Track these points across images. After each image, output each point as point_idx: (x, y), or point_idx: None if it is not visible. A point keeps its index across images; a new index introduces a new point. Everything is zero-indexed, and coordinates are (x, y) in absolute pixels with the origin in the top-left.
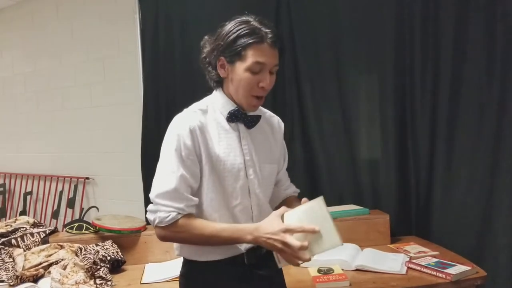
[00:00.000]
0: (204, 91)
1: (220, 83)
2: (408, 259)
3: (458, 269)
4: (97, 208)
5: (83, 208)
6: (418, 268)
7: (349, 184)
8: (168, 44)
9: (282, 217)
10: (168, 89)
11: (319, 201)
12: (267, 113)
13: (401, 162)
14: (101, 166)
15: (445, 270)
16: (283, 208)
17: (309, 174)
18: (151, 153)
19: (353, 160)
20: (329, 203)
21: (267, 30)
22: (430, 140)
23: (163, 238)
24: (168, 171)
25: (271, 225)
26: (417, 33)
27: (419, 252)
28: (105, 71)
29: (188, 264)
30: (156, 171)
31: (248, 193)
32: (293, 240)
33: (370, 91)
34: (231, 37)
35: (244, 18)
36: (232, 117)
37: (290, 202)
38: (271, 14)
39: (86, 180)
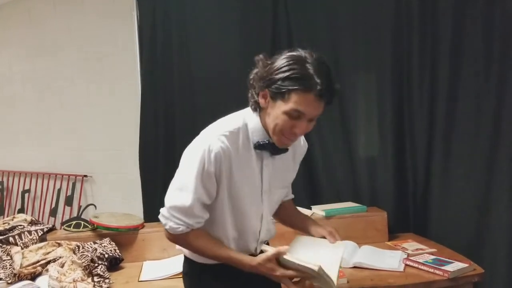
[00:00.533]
0: (202, 90)
1: (259, 107)
2: (405, 256)
3: (456, 266)
4: (95, 206)
5: (81, 206)
6: (416, 265)
7: (347, 182)
8: (166, 41)
9: (277, 259)
10: (166, 86)
11: (340, 248)
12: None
13: (398, 160)
14: (99, 164)
15: (442, 267)
16: (278, 249)
17: (307, 172)
18: (149, 151)
19: (351, 157)
20: (327, 200)
21: (318, 81)
22: (428, 137)
23: (170, 240)
24: (187, 189)
25: (267, 270)
26: (415, 32)
27: (416, 249)
28: (103, 69)
29: (189, 262)
30: (176, 180)
31: (260, 218)
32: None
33: (368, 90)
34: (280, 76)
35: (302, 55)
36: (260, 147)
37: (293, 208)
38: (269, 12)
39: (84, 178)
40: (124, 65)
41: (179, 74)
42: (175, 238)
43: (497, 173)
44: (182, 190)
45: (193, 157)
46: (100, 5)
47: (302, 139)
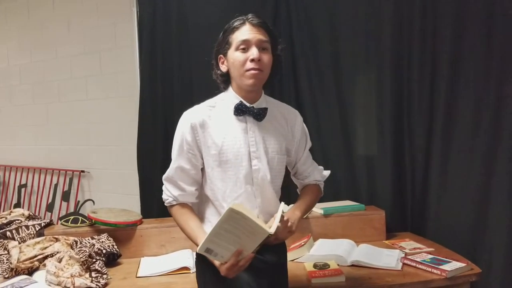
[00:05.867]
0: (201, 86)
1: (228, 82)
2: (403, 255)
3: (453, 265)
4: (93, 201)
5: (78, 201)
6: (414, 264)
7: (345, 180)
8: (166, 38)
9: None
10: (165, 83)
11: (230, 214)
12: (283, 106)
13: (397, 159)
14: (96, 159)
15: (440, 267)
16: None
17: None
18: (147, 146)
19: (350, 156)
20: (325, 198)
21: (248, 15)
22: (427, 137)
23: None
24: (172, 161)
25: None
26: (415, 29)
27: (414, 248)
28: (101, 64)
29: None
30: None
31: (251, 182)
32: (222, 267)
33: (367, 87)
34: (221, 35)
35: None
36: (239, 111)
37: (304, 192)
38: (270, 8)
39: (82, 173)
40: (123, 60)
41: (178, 70)
42: (169, 211)
43: (495, 173)
44: (170, 165)
45: (176, 135)
46: (99, 0)
47: (295, 113)
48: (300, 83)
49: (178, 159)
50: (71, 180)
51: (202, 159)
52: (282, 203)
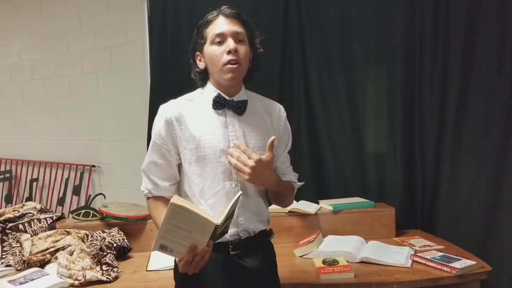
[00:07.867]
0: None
1: (206, 79)
2: (413, 252)
3: (463, 263)
4: (104, 196)
5: (89, 195)
6: (423, 261)
7: (355, 177)
8: (176, 33)
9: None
10: (175, 78)
11: (173, 209)
12: (266, 100)
13: (407, 156)
14: (107, 154)
15: (450, 264)
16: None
17: (315, 166)
18: None
19: (360, 152)
20: (334, 195)
21: (221, 8)
22: (438, 134)
23: None
24: (147, 155)
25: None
26: (427, 25)
27: (424, 245)
28: (112, 59)
29: None
30: None
31: (230, 178)
32: (180, 265)
33: (378, 84)
34: (196, 31)
35: None
36: (217, 104)
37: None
38: (281, 4)
39: (92, 168)
40: (134, 55)
41: (188, 66)
42: (146, 203)
43: (507, 170)
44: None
45: (152, 129)
46: None
47: (279, 108)
48: (310, 79)
49: (151, 153)
50: (82, 174)
51: (178, 154)
52: (240, 192)
